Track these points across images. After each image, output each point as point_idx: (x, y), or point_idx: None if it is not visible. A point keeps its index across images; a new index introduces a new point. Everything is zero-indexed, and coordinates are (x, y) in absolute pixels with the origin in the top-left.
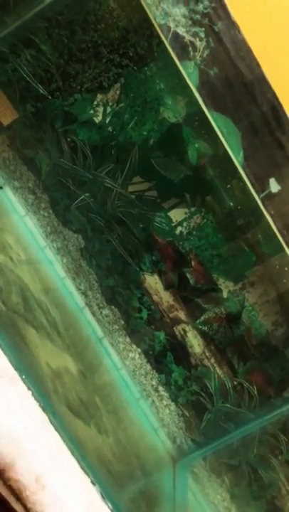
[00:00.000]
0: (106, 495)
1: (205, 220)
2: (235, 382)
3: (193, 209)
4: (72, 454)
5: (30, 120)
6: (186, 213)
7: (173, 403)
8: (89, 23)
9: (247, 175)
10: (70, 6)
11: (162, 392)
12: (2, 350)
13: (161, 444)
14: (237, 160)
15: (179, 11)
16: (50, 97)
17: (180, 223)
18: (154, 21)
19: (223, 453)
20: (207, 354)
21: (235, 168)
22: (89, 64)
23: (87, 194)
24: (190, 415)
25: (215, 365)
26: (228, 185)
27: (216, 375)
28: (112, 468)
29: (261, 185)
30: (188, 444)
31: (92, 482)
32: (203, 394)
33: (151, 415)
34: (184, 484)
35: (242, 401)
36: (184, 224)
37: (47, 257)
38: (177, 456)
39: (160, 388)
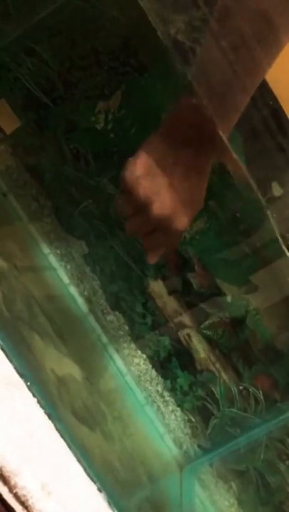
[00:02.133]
0: (113, 502)
1: (208, 225)
2: (240, 387)
3: (195, 214)
4: (78, 461)
5: (33, 128)
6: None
7: (179, 409)
8: (90, 31)
9: (249, 179)
10: (71, 14)
11: (168, 398)
12: (7, 357)
13: (168, 449)
14: (240, 160)
15: (179, 18)
16: (52, 105)
17: None
18: (155, 28)
19: (230, 458)
20: (212, 359)
21: (244, 169)
22: (90, 71)
23: (90, 200)
24: (196, 421)
25: (220, 370)
26: (231, 190)
27: (222, 380)
28: (118, 475)
29: (263, 189)
30: (194, 449)
31: (99, 489)
32: (208, 399)
33: (156, 421)
34: (191, 490)
35: (248, 406)
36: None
37: (50, 263)
38: (184, 462)
39: (165, 394)
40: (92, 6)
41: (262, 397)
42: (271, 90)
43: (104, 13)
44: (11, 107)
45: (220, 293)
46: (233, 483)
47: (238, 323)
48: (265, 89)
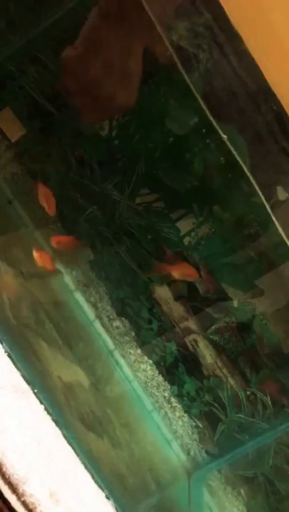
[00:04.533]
0: (121, 509)
1: (213, 230)
2: (248, 392)
3: (200, 219)
4: (86, 468)
5: (38, 136)
6: (193, 223)
7: (186, 414)
8: None
9: (254, 183)
10: (74, 23)
11: (175, 404)
12: (14, 364)
13: (175, 456)
14: (243, 169)
15: (181, 24)
16: (56, 113)
17: (188, 233)
18: (162, 35)
19: (239, 465)
20: (219, 364)
21: (242, 177)
22: None
23: (95, 207)
24: (203, 426)
25: (227, 375)
26: (235, 194)
27: (229, 386)
28: (126, 482)
29: (268, 193)
30: (202, 455)
31: (107, 496)
32: (216, 405)
33: (164, 427)
34: (200, 497)
35: (256, 411)
36: (192, 234)
37: (56, 269)
38: (192, 468)
39: (172, 400)
40: None
41: (270, 402)
42: (275, 95)
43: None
44: (16, 115)
45: (226, 298)
46: (241, 490)
47: (244, 328)
48: (268, 94)
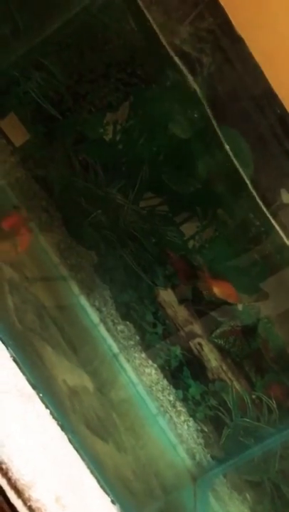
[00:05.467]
0: None
1: (217, 233)
2: (253, 396)
3: (204, 222)
4: (92, 472)
5: (42, 140)
6: (197, 227)
7: (191, 419)
8: (97, 45)
9: (257, 186)
10: (78, 29)
11: (180, 408)
12: (19, 368)
13: (181, 460)
14: (247, 172)
15: (184, 29)
16: (60, 118)
17: (192, 237)
18: (161, 40)
19: (244, 469)
20: (224, 368)
21: (245, 180)
22: (98, 84)
23: (99, 211)
24: (209, 431)
25: (232, 379)
26: (239, 198)
27: (234, 389)
28: (131, 487)
29: (272, 196)
30: (207, 460)
31: (112, 501)
32: (221, 409)
33: (169, 431)
34: (205, 502)
35: (261, 415)
36: (196, 237)
37: (61, 274)
38: (197, 473)
39: (177, 404)
40: (99, 20)
41: (275, 406)
42: (278, 98)
43: (111, 26)
44: (21, 120)
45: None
46: (247, 495)
47: (249, 332)
48: (272, 97)
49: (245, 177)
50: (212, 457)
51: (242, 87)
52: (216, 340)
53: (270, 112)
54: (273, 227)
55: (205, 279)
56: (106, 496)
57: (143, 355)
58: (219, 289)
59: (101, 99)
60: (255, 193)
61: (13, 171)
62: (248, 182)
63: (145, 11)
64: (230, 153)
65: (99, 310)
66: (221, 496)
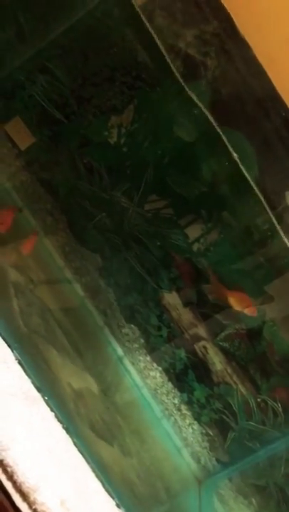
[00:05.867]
0: None
1: (222, 236)
2: (258, 400)
3: (209, 225)
4: (97, 476)
5: (47, 144)
6: (202, 229)
7: (196, 422)
8: (102, 48)
9: (262, 189)
10: (83, 33)
11: (185, 411)
12: (25, 371)
13: (186, 464)
14: (252, 175)
15: (189, 32)
16: (65, 121)
17: (197, 240)
18: (165, 43)
19: (250, 473)
20: (229, 371)
21: (250, 183)
22: (102, 87)
23: (104, 214)
24: (214, 434)
25: (237, 382)
26: (244, 201)
27: (239, 393)
28: (136, 490)
29: (277, 199)
30: (212, 464)
31: (117, 505)
32: (226, 412)
33: (174, 435)
34: (210, 506)
35: (266, 419)
36: (201, 240)
37: (66, 277)
38: (202, 476)
39: (182, 407)
40: (104, 24)
41: (281, 409)
42: (283, 101)
43: (116, 30)
44: (26, 123)
45: None
46: (253, 499)
47: (254, 335)
48: (277, 100)
49: (250, 180)
50: (217, 461)
51: (247, 90)
52: (221, 344)
53: (275, 115)
54: (278, 229)
55: (219, 290)
56: (111, 499)
57: (148, 358)
58: (235, 301)
59: (106, 103)
60: (260, 196)
61: (19, 174)
62: (253, 185)
63: (142, 17)
64: (235, 156)
65: (104, 313)
66: (226, 500)
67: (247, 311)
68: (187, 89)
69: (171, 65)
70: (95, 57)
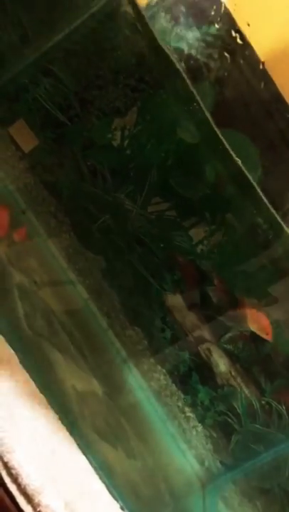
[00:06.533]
0: None
1: (226, 238)
2: (263, 402)
3: (213, 227)
4: (101, 478)
5: (51, 146)
6: (206, 231)
7: (200, 424)
8: (105, 51)
9: (267, 191)
10: (86, 36)
11: (189, 414)
12: (29, 374)
13: (190, 466)
14: (255, 177)
15: (191, 34)
16: (69, 124)
17: (201, 241)
18: (169, 46)
19: (254, 476)
20: (233, 373)
21: (254, 185)
22: (106, 90)
23: (107, 216)
24: (218, 436)
25: (241, 384)
26: (248, 202)
27: (243, 395)
28: (140, 493)
29: (281, 201)
30: (217, 466)
31: (122, 507)
32: (230, 414)
33: (178, 437)
34: (214, 509)
35: (271, 421)
36: (205, 242)
37: (69, 279)
38: (206, 479)
39: (186, 409)
40: (107, 26)
41: (285, 412)
42: (287, 103)
43: (119, 33)
44: (30, 126)
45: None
46: (257, 502)
47: (259, 337)
48: (281, 102)
49: (253, 182)
50: (221, 463)
51: (250, 92)
52: (225, 346)
53: (279, 117)
54: (282, 231)
55: (243, 307)
56: (115, 502)
57: (151, 360)
58: (255, 322)
59: (109, 105)
60: (264, 198)
61: (22, 176)
62: (256, 187)
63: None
64: (238, 159)
65: (107, 315)
66: (231, 503)
67: (261, 333)
68: (194, 90)
69: (178, 67)
70: (98, 60)
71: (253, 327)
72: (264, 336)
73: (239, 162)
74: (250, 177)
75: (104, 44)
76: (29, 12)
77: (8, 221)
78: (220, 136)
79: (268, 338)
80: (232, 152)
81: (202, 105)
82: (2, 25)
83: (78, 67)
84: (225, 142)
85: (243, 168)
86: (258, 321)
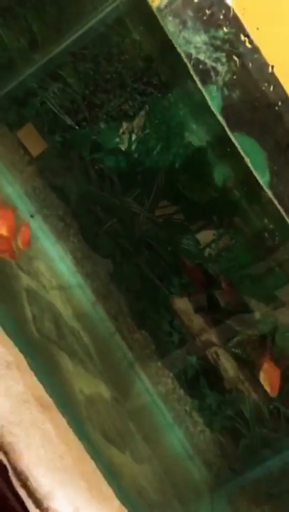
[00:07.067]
0: None
1: (233, 241)
2: (271, 407)
3: (221, 230)
4: (109, 483)
5: (59, 150)
6: (214, 235)
7: (208, 429)
8: (113, 55)
9: (274, 194)
10: (94, 40)
11: (196, 418)
12: (37, 377)
13: (197, 471)
14: (263, 180)
15: (199, 38)
16: (77, 127)
17: (208, 245)
18: (178, 49)
19: (262, 481)
20: (241, 378)
21: (262, 188)
22: (114, 94)
23: (115, 219)
24: (226, 441)
25: (249, 389)
26: (256, 206)
27: (251, 400)
28: (148, 498)
29: (288, 204)
30: (225, 471)
31: None
32: (238, 419)
33: (185, 442)
34: None
35: (279, 426)
36: (213, 246)
37: (77, 282)
38: (214, 484)
39: (194, 413)
40: (115, 31)
41: None
42: None
43: (127, 37)
44: (38, 130)
45: (247, 310)
46: (266, 508)
47: (266, 341)
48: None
49: (262, 185)
50: (229, 469)
51: (258, 95)
52: (233, 350)
53: (287, 119)
54: None
55: (264, 357)
56: (123, 507)
57: (159, 364)
58: (267, 375)
59: (117, 109)
60: (275, 200)
61: (31, 180)
62: (266, 189)
63: (161, 21)
64: (246, 162)
65: (115, 318)
66: (239, 509)
67: (266, 387)
68: (205, 93)
69: (190, 69)
70: (106, 64)
71: (262, 377)
72: (268, 390)
73: (250, 165)
74: (261, 180)
75: (112, 48)
76: (38, 18)
77: (14, 223)
78: (232, 138)
79: (272, 394)
80: (244, 155)
81: (214, 108)
82: (12, 31)
83: (86, 72)
84: (237, 145)
85: (254, 171)
86: (270, 375)
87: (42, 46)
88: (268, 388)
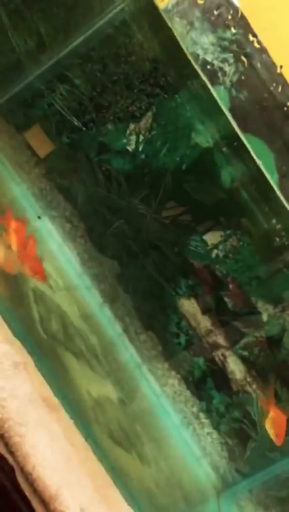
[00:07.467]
0: None
1: (241, 243)
2: None
3: (228, 231)
4: (116, 484)
5: (66, 151)
6: (221, 236)
7: (215, 431)
8: (120, 56)
9: (282, 195)
10: (101, 41)
11: (203, 420)
12: (44, 378)
13: (205, 474)
14: (271, 181)
15: (207, 39)
16: (84, 129)
17: (216, 246)
18: (185, 50)
19: (270, 484)
20: (248, 380)
21: (270, 189)
22: (121, 95)
23: (122, 221)
24: (233, 443)
25: (257, 391)
26: (264, 207)
27: (259, 402)
28: (155, 500)
29: None
30: (232, 474)
31: None
32: (245, 421)
33: (192, 444)
34: None
35: (287, 429)
36: (220, 247)
37: (84, 283)
38: (221, 487)
39: (201, 415)
40: (122, 33)
41: None
42: None
43: (134, 38)
44: (45, 131)
45: (255, 311)
46: (274, 511)
47: (274, 343)
48: None
49: (272, 185)
50: (237, 471)
51: (266, 96)
52: (240, 352)
53: None
54: None
55: (269, 404)
56: (130, 509)
57: (166, 365)
58: (273, 422)
59: (124, 110)
60: (283, 201)
61: (38, 181)
62: (276, 190)
63: (168, 22)
64: (255, 162)
65: (122, 320)
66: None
67: (272, 436)
68: (215, 94)
69: (198, 70)
70: (113, 66)
71: (268, 424)
72: (273, 439)
73: (260, 165)
74: (272, 181)
75: (120, 50)
76: (46, 19)
77: (25, 236)
78: (243, 139)
79: (277, 443)
80: (254, 155)
81: (224, 109)
82: (19, 32)
83: (94, 73)
84: (248, 145)
85: (261, 172)
86: (276, 423)
87: (49, 48)
88: (273, 437)
